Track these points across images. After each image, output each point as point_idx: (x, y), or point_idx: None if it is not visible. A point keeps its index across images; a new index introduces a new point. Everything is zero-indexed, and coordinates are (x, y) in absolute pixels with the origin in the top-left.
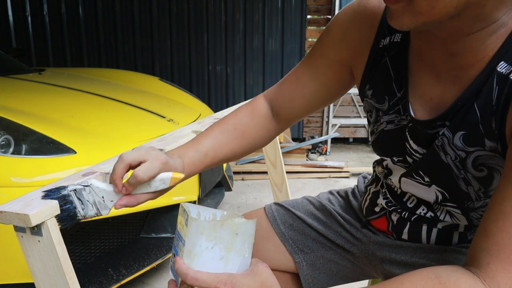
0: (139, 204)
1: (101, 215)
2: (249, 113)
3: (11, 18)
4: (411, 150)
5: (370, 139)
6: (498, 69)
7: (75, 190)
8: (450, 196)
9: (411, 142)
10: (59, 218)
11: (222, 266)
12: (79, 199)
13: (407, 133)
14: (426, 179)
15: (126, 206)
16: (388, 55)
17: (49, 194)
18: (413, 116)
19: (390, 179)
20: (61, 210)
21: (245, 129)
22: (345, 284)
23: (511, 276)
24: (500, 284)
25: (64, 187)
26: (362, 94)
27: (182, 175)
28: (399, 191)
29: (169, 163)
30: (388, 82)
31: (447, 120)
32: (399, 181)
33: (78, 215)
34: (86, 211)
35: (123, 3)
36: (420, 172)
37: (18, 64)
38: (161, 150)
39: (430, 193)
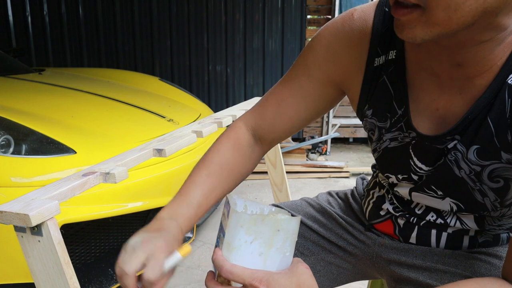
0: None
1: None
2: (231, 147)
3: (11, 18)
4: (415, 168)
5: (373, 155)
6: (509, 81)
7: None
8: (466, 207)
9: (415, 159)
10: None
11: (261, 263)
12: None
13: (410, 150)
14: (439, 192)
15: None
16: (386, 73)
17: None
18: (419, 131)
19: (398, 191)
20: None
21: (232, 166)
22: (345, 284)
23: None
24: None
25: None
26: (360, 114)
27: (189, 249)
28: (407, 198)
29: (172, 247)
30: (388, 100)
31: (457, 134)
32: (410, 195)
33: None
34: None
35: (123, 3)
36: (432, 187)
37: (18, 64)
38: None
39: (444, 205)
